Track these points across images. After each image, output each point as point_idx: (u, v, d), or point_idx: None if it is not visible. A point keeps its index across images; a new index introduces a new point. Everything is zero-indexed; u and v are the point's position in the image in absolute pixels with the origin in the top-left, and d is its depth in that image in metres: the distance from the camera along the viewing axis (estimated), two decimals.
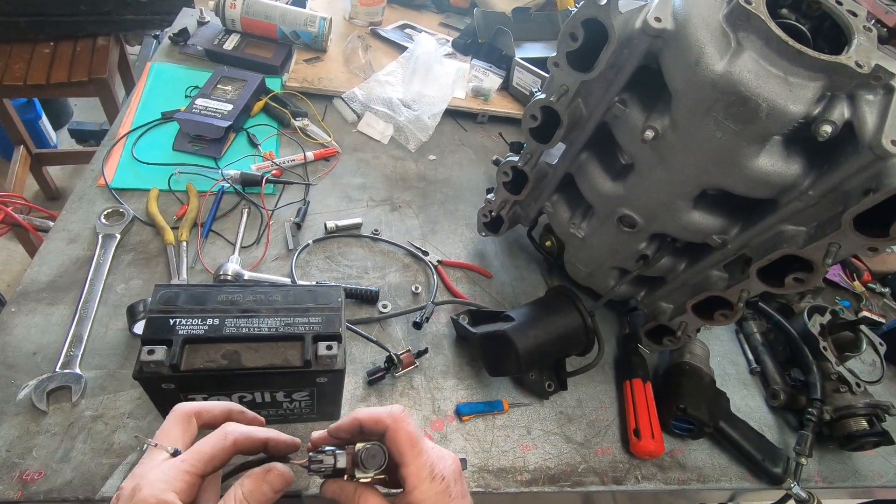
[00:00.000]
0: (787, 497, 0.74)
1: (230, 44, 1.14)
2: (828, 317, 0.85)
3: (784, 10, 0.56)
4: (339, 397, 0.63)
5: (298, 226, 0.87)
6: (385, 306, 0.81)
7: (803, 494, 0.72)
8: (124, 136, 0.92)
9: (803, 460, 0.75)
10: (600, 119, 0.65)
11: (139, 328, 0.66)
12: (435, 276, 0.85)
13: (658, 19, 0.52)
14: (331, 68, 1.17)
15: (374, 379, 0.71)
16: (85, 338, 0.67)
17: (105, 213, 0.79)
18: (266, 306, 0.56)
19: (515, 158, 0.76)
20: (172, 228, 0.80)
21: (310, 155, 0.99)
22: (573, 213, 0.79)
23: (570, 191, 0.78)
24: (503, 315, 0.74)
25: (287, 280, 0.78)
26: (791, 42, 0.48)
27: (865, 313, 1.05)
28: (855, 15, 0.53)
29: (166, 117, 0.97)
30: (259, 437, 0.42)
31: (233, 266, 0.76)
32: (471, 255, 0.94)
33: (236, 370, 0.52)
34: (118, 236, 0.78)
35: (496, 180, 0.81)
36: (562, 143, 0.72)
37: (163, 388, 0.52)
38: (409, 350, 0.74)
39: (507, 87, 1.27)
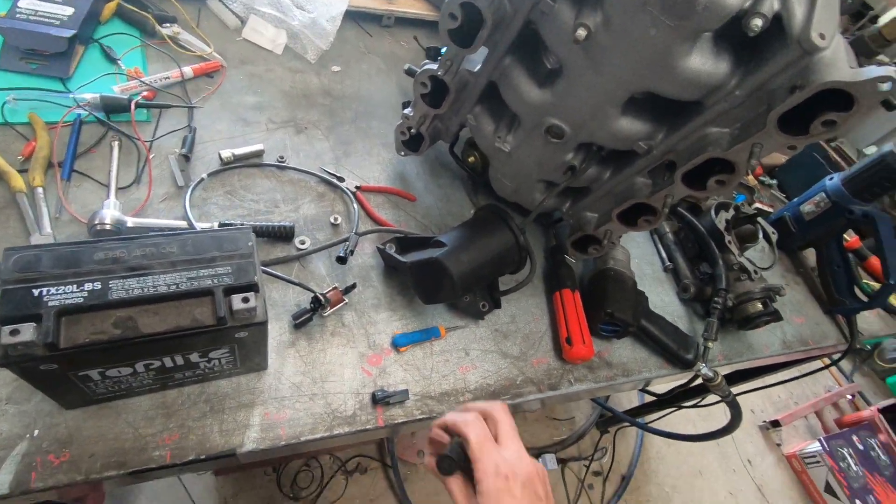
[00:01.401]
0: (696, 377, 0.83)
1: None
2: (731, 212, 0.91)
3: None
4: (263, 348, 0.58)
5: (187, 158, 0.74)
6: (303, 242, 0.73)
7: (710, 373, 0.81)
8: None
9: (710, 344, 0.83)
10: (526, 16, 0.58)
11: None
12: (355, 204, 0.78)
13: None
14: None
15: (301, 322, 0.66)
16: None
17: None
18: (160, 260, 0.47)
19: (433, 66, 0.68)
20: (20, 172, 0.65)
21: (188, 71, 0.83)
22: (498, 126, 0.74)
23: (494, 101, 0.72)
24: (433, 240, 0.70)
25: (182, 223, 0.67)
26: None
27: (758, 205, 1.14)
28: None
29: None
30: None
31: (111, 212, 0.63)
32: (391, 178, 0.87)
33: (134, 339, 0.44)
34: None
35: (413, 92, 0.73)
36: (484, 46, 0.65)
37: (42, 370, 0.44)
38: (335, 287, 0.68)
39: None
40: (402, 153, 0.85)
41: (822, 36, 0.46)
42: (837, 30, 0.47)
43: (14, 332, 0.40)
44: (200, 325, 0.46)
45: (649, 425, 1.28)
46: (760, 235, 0.92)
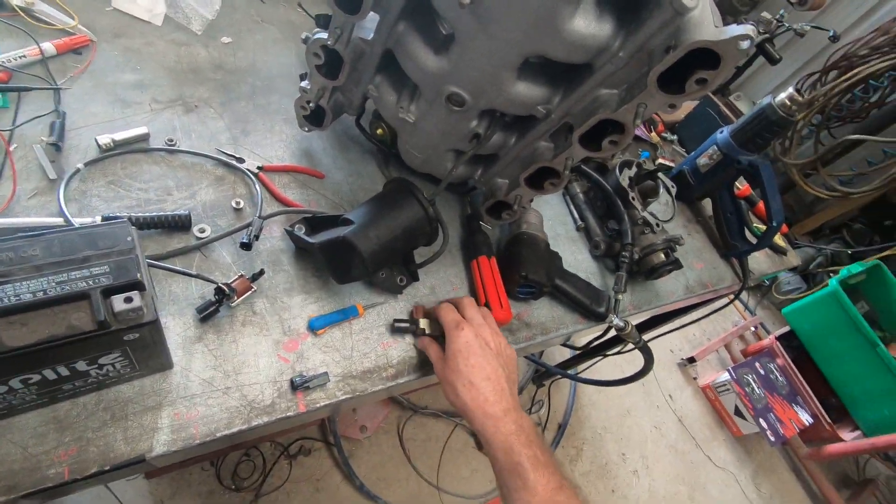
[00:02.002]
0: (609, 328, 0.88)
1: None
2: (634, 170, 0.96)
3: None
4: (162, 347, 0.54)
5: (57, 147, 0.67)
6: (202, 230, 0.69)
7: (621, 323, 0.86)
8: None
9: (620, 296, 0.88)
10: None
11: None
12: (258, 186, 0.74)
13: None
14: None
15: (207, 315, 0.62)
16: None
17: None
18: (21, 265, 0.42)
19: (324, 36, 0.64)
20: None
21: (48, 47, 0.73)
22: (400, 96, 0.72)
23: (395, 70, 0.70)
24: (342, 218, 0.68)
25: (58, 220, 0.61)
26: None
27: (661, 161, 1.21)
28: None
29: None
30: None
31: None
32: (296, 156, 0.83)
33: None
34: None
35: (307, 64, 0.70)
36: (374, 12, 0.62)
37: None
38: (241, 275, 0.65)
39: None
40: (306, 129, 0.81)
41: None
42: None
43: None
44: (78, 332, 0.43)
45: (579, 375, 1.36)
46: (661, 190, 0.97)
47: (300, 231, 0.71)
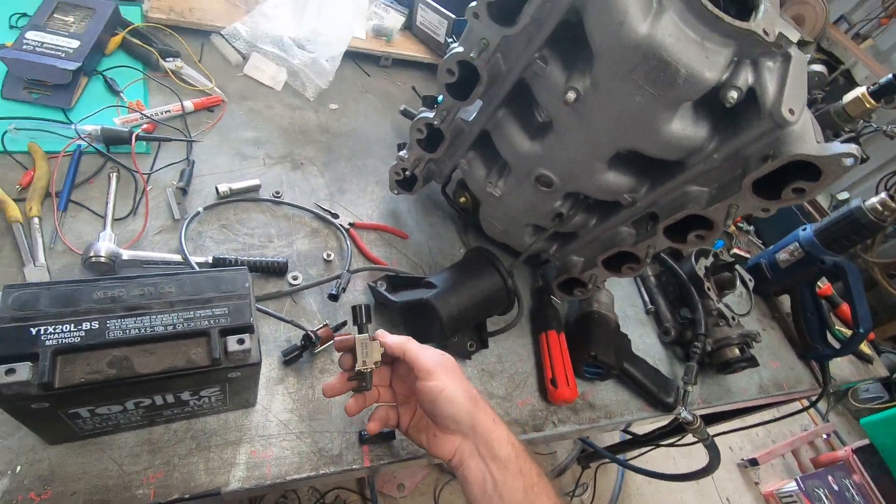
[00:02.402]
0: (676, 421, 0.85)
1: None
2: (710, 259, 0.95)
3: None
4: (254, 386, 0.58)
5: (184, 191, 0.76)
6: (295, 278, 0.74)
7: (690, 417, 0.83)
8: None
9: (690, 388, 0.85)
10: (520, 74, 0.62)
11: None
12: (348, 241, 0.80)
13: None
14: None
15: (291, 359, 0.66)
16: None
17: None
18: (158, 300, 0.48)
19: (430, 115, 0.71)
20: (16, 201, 0.65)
21: (188, 104, 0.85)
22: (489, 171, 0.77)
23: (486, 147, 0.76)
24: (424, 281, 0.72)
25: (176, 257, 0.68)
26: (710, 6, 0.47)
27: (736, 250, 1.18)
28: None
29: None
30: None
31: (105, 245, 0.64)
32: (383, 215, 0.89)
33: (128, 379, 0.45)
34: None
35: (409, 136, 0.76)
36: (479, 98, 0.68)
37: (32, 408, 0.44)
38: (326, 324, 0.69)
39: (410, 27, 1.18)
40: (396, 192, 0.88)
41: (791, 111, 0.49)
42: (805, 105, 0.51)
43: (10, 372, 0.40)
44: (195, 366, 0.47)
45: (629, 462, 1.29)
46: (738, 282, 0.95)
47: (382, 288, 0.75)
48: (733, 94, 0.51)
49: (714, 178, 0.60)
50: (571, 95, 0.55)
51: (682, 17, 0.49)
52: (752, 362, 0.88)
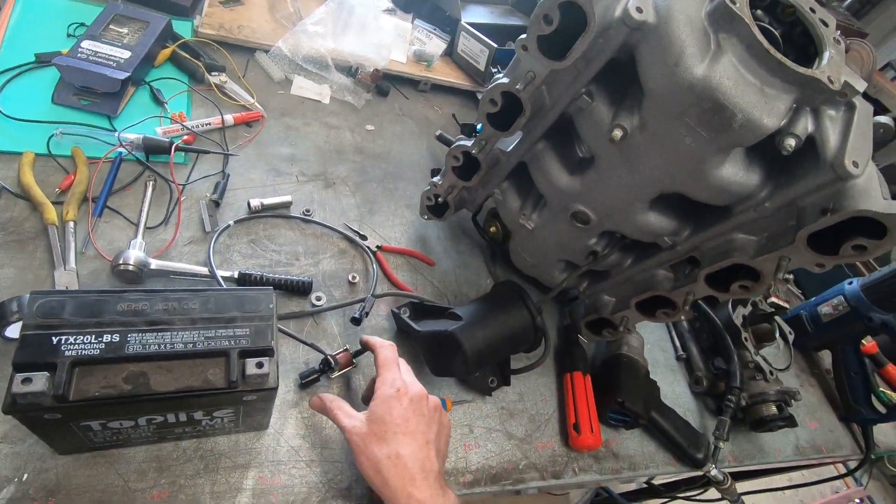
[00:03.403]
0: (705, 478, 0.79)
1: None
2: (749, 308, 0.90)
3: (759, 12, 0.53)
4: (269, 410, 0.56)
5: (217, 203, 0.76)
6: (318, 298, 0.73)
7: (720, 476, 0.78)
8: None
9: (721, 444, 0.80)
10: (564, 109, 0.60)
11: (13, 331, 0.54)
12: (374, 265, 0.79)
13: (640, 9, 0.47)
14: (253, 15, 1.01)
15: (308, 382, 0.65)
16: None
17: None
18: (180, 316, 0.47)
19: (468, 143, 0.70)
20: (55, 204, 0.66)
21: (229, 118, 0.86)
22: (524, 203, 0.75)
23: (522, 179, 0.74)
24: (449, 312, 0.70)
25: (203, 269, 0.68)
26: (773, 51, 0.45)
27: (774, 299, 1.13)
28: (826, 25, 0.52)
29: (42, 60, 0.78)
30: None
31: (135, 253, 0.64)
32: (412, 240, 0.87)
33: (143, 396, 0.44)
34: None
35: (444, 164, 0.75)
36: (520, 130, 0.67)
37: (45, 418, 0.43)
38: (346, 349, 0.67)
39: (450, 54, 1.18)
40: (426, 217, 0.86)
41: (855, 164, 0.46)
42: (870, 158, 0.48)
43: (26, 381, 0.39)
44: (212, 387, 0.46)
45: None
46: (777, 335, 0.90)
47: (406, 315, 0.74)
48: (791, 142, 0.48)
49: (764, 227, 0.57)
50: (618, 133, 0.53)
51: (742, 61, 0.46)
52: (791, 422, 0.82)
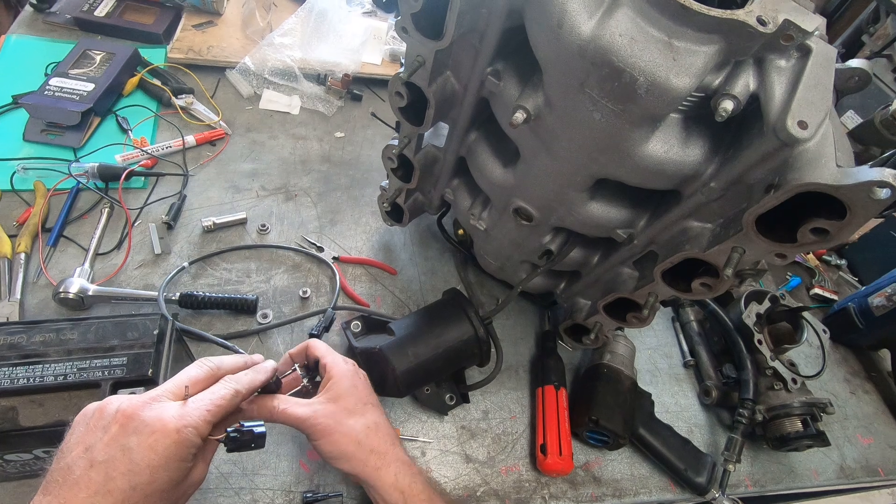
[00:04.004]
0: None
1: (103, 8, 0.98)
2: (766, 304, 0.77)
3: None
4: None
5: (169, 226, 0.76)
6: (265, 316, 0.71)
7: None
8: None
9: (731, 467, 0.68)
10: (477, 94, 0.53)
11: None
12: (338, 276, 0.75)
13: None
14: (224, 34, 1.02)
15: None
16: None
17: None
18: (56, 347, 0.46)
19: (395, 142, 0.64)
20: (11, 237, 0.69)
21: (190, 139, 0.86)
22: (473, 203, 0.69)
23: (471, 176, 0.67)
24: (387, 326, 0.65)
25: (143, 292, 0.68)
26: None
27: (817, 290, 0.97)
28: None
29: (17, 101, 0.83)
30: (259, 383, 0.46)
31: (77, 280, 0.65)
32: (374, 249, 0.83)
33: (11, 431, 0.43)
34: None
35: (384, 167, 0.70)
36: (444, 123, 0.61)
37: None
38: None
39: None
40: (389, 223, 0.82)
41: (802, 125, 0.36)
42: (827, 116, 0.37)
43: None
44: None
45: None
46: (804, 335, 0.76)
47: (356, 329, 0.69)
48: (727, 105, 0.39)
49: (717, 212, 0.47)
50: (519, 117, 0.46)
51: (641, 12, 0.38)
52: (820, 440, 0.69)
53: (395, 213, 0.80)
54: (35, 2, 0.98)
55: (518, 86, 0.49)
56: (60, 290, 0.64)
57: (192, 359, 0.59)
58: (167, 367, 0.49)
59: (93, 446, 0.35)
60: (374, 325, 0.70)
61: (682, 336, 0.84)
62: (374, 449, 0.49)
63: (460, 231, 0.82)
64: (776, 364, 0.72)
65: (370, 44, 1.06)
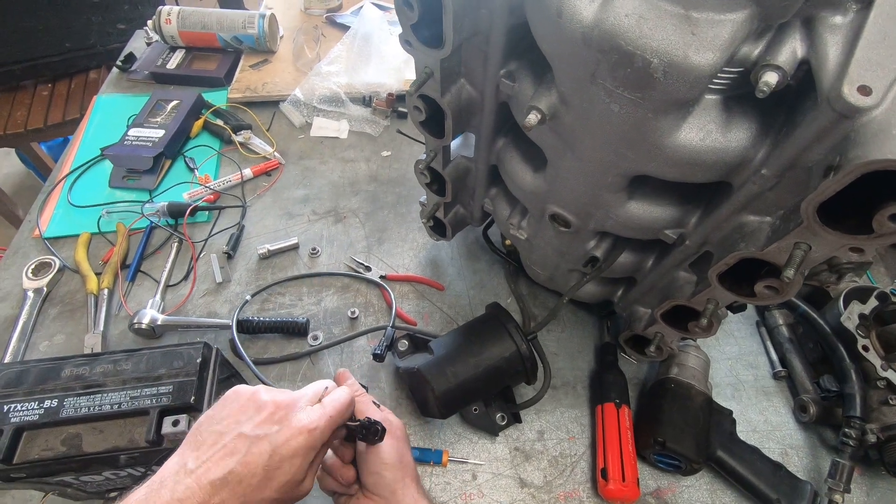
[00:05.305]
0: None
1: (174, 62, 1.09)
2: (872, 303, 0.65)
3: None
4: None
5: (229, 255, 0.81)
6: (315, 338, 0.72)
7: None
8: (62, 179, 0.90)
9: (838, 497, 0.58)
10: (495, 100, 0.51)
11: None
12: (392, 294, 0.75)
13: None
14: (277, 70, 1.08)
15: None
16: None
17: (31, 266, 0.77)
18: (114, 378, 0.50)
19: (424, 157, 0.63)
20: (97, 274, 0.77)
21: (248, 172, 0.91)
22: (511, 212, 0.65)
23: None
24: (428, 345, 0.63)
25: (206, 320, 0.72)
26: None
27: None
28: None
29: (103, 154, 0.93)
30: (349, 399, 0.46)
31: (149, 312, 0.71)
32: (422, 265, 0.82)
33: (75, 457, 0.46)
34: (45, 290, 0.76)
35: (419, 182, 0.69)
36: (470, 132, 0.59)
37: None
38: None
39: None
40: (435, 238, 0.81)
41: (863, 90, 0.30)
42: None
43: None
44: (135, 447, 0.47)
45: None
46: None
47: (403, 347, 0.68)
48: (769, 79, 0.33)
49: (775, 204, 0.40)
50: (533, 118, 0.43)
51: None
52: None
53: (438, 228, 0.78)
54: (120, 63, 1.11)
55: (533, 85, 0.45)
56: (135, 321, 0.70)
57: (241, 380, 0.61)
58: (212, 392, 0.51)
59: (244, 422, 0.40)
60: (420, 343, 0.69)
61: (769, 343, 0.74)
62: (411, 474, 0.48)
63: (507, 241, 0.79)
64: (889, 374, 0.61)
65: (412, 61, 1.06)
